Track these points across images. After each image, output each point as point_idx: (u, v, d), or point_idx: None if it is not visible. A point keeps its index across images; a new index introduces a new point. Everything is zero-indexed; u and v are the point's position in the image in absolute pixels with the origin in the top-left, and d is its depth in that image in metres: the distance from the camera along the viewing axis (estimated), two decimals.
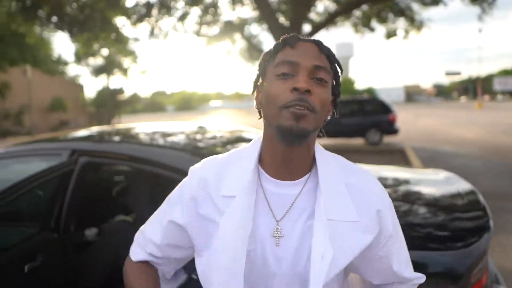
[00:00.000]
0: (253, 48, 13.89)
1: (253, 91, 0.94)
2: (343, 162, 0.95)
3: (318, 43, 0.88)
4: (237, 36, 13.70)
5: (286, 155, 0.87)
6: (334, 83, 0.91)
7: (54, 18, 10.96)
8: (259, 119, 0.93)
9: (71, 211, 2.04)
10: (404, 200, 2.06)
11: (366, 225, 0.87)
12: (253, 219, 0.86)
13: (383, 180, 2.45)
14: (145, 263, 1.02)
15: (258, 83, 0.93)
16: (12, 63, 26.59)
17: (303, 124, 0.80)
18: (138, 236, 1.05)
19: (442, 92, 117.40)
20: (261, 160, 0.91)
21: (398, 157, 10.28)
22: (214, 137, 2.42)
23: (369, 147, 12.24)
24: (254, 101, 0.93)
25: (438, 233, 1.67)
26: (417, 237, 1.64)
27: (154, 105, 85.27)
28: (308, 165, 0.90)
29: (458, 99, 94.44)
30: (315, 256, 0.81)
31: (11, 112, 28.88)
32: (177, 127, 2.59)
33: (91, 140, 2.37)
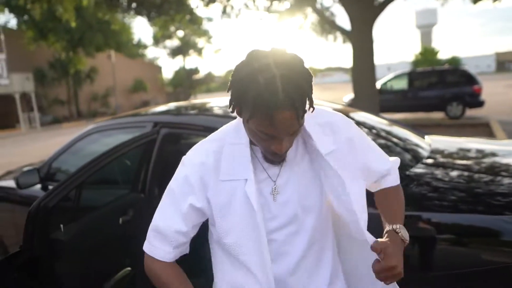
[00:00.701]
0: (325, 21, 13.58)
1: (230, 107, 0.98)
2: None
3: (296, 107, 0.87)
4: (309, 9, 13.45)
5: None
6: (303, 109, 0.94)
7: (134, 4, 11.67)
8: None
9: (154, 176, 2.31)
10: (483, 170, 2.02)
11: (341, 147, 1.07)
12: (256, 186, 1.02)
13: (464, 152, 2.39)
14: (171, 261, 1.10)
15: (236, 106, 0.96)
16: (98, 49, 28.74)
17: (282, 159, 1.02)
18: (153, 235, 1.09)
19: None
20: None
21: (482, 130, 9.57)
22: None
23: (449, 121, 11.54)
24: (236, 113, 0.98)
25: (501, 199, 1.65)
26: (496, 205, 1.63)
27: (228, 84, 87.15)
28: None
29: None
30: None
31: (99, 95, 31.54)
32: None
33: (170, 113, 2.62)
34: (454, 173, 1.94)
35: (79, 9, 19.21)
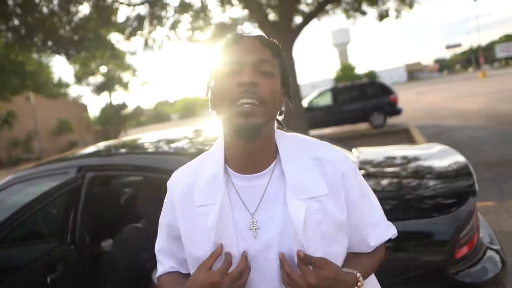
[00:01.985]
0: None
1: (207, 93, 0.96)
2: (306, 140, 0.98)
3: (260, 38, 0.90)
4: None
5: (247, 151, 0.90)
6: (282, 74, 0.93)
7: (50, 43, 11.14)
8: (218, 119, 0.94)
9: (84, 224, 2.16)
10: (398, 175, 2.16)
11: (336, 193, 0.91)
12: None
13: (378, 160, 2.54)
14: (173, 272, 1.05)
15: (210, 85, 0.95)
16: (14, 91, 26.93)
17: (252, 120, 0.83)
18: (158, 258, 1.06)
19: (444, 67, 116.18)
20: (226, 159, 0.94)
21: (403, 137, 10.31)
22: (213, 139, 2.52)
23: (374, 131, 12.27)
24: (210, 103, 0.95)
25: (429, 202, 1.76)
26: (410, 208, 1.74)
27: (159, 116, 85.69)
28: (272, 154, 0.93)
29: (461, 71, 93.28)
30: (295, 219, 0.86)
31: (20, 140, 29.33)
32: (174, 133, 2.70)
33: (95, 155, 2.49)
34: (385, 182, 2.05)
35: None
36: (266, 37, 0.92)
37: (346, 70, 50.22)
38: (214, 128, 2.85)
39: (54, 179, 2.36)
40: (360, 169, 2.22)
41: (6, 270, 1.93)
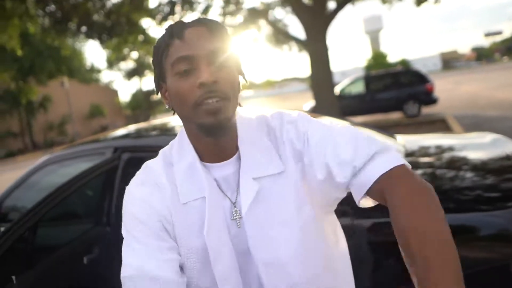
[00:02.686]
0: (279, 33, 13.76)
1: (157, 92, 0.91)
2: (261, 117, 0.95)
3: (206, 24, 0.83)
4: (262, 22, 13.59)
5: (216, 145, 0.86)
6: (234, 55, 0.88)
7: (84, 28, 11.33)
8: (173, 114, 0.91)
9: (120, 205, 2.13)
10: (450, 166, 2.01)
11: (293, 165, 0.87)
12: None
13: (426, 149, 2.38)
14: None
15: (161, 82, 0.88)
16: (50, 76, 27.75)
17: (221, 116, 0.80)
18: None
19: (482, 55, 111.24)
20: (196, 152, 0.89)
21: (440, 126, 9.92)
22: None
23: (408, 120, 11.89)
24: (164, 101, 0.90)
25: (487, 195, 1.62)
26: (465, 200, 1.60)
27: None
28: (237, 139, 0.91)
29: (500, 60, 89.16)
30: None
31: (54, 124, 30.34)
32: None
33: (131, 136, 2.46)
34: (442, 174, 1.90)
35: (26, 36, 18.50)
36: (209, 20, 0.85)
37: (378, 58, 48.80)
38: (250, 112, 2.75)
39: (90, 160, 2.35)
40: (407, 158, 2.08)
41: (44, 251, 1.92)
